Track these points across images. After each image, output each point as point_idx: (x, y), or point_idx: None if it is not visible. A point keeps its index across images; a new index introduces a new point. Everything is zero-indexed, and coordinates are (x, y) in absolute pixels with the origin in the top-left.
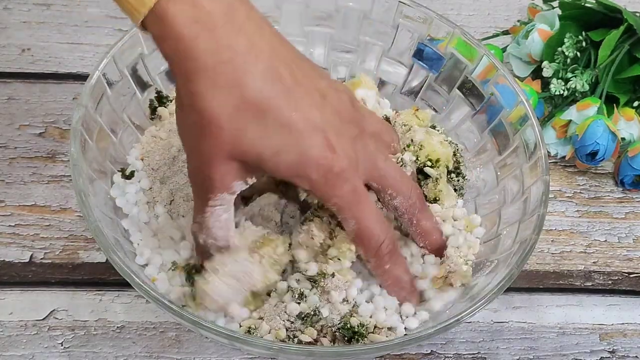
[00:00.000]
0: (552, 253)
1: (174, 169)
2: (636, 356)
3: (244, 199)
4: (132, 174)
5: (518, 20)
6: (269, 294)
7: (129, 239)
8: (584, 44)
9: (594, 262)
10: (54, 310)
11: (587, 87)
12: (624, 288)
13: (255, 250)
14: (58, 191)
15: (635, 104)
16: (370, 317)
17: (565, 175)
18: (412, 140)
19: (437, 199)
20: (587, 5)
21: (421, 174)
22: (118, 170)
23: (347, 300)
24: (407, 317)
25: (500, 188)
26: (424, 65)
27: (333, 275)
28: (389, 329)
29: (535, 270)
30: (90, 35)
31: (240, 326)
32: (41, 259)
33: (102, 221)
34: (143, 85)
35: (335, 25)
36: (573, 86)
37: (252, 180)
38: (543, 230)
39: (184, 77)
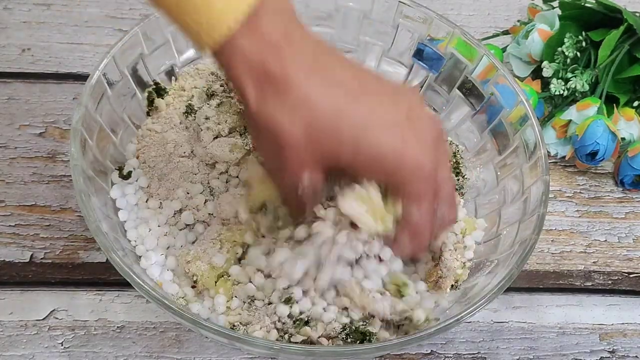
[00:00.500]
0: (552, 253)
1: (171, 166)
2: (636, 356)
3: None
4: (129, 174)
5: (518, 20)
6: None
7: (128, 239)
8: (584, 44)
9: (594, 262)
10: (54, 310)
11: (587, 87)
12: (624, 288)
13: None
14: (58, 191)
15: (635, 104)
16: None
17: (565, 175)
18: None
19: None
20: (587, 5)
21: None
22: (116, 169)
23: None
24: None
25: (500, 188)
26: (424, 65)
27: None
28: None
29: (535, 270)
30: (90, 35)
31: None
32: (41, 259)
33: (102, 221)
34: (143, 85)
35: (335, 25)
36: (573, 86)
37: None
38: (543, 230)
39: (260, 100)
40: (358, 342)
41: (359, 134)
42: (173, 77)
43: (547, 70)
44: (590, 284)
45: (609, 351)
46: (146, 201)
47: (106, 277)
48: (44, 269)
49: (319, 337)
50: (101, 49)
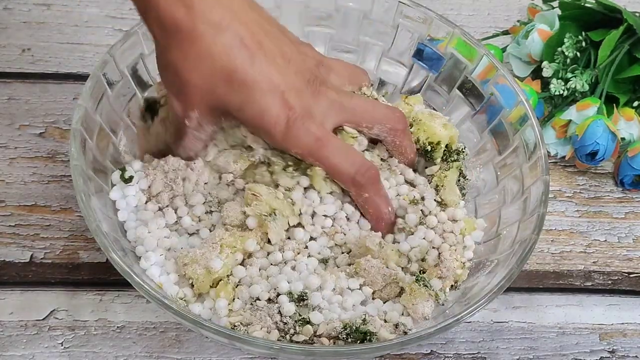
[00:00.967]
0: (552, 253)
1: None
2: (636, 356)
3: None
4: (130, 178)
5: (518, 20)
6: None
7: (128, 239)
8: (583, 44)
9: (593, 262)
10: (54, 310)
11: (587, 87)
12: (623, 288)
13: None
14: (58, 191)
15: (635, 104)
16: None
17: (565, 175)
18: (413, 121)
19: (442, 185)
20: (587, 5)
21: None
22: (119, 169)
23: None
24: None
25: (500, 188)
26: (424, 65)
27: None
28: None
29: (535, 270)
30: (90, 35)
31: (234, 326)
32: (41, 259)
33: (102, 221)
34: (143, 85)
35: (335, 25)
36: (573, 86)
37: (225, 123)
38: (543, 230)
39: (164, 47)
40: (358, 342)
41: (246, 94)
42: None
43: (547, 70)
44: (590, 284)
45: (608, 351)
46: (145, 203)
47: (106, 277)
48: (44, 269)
49: (320, 336)
50: (101, 49)
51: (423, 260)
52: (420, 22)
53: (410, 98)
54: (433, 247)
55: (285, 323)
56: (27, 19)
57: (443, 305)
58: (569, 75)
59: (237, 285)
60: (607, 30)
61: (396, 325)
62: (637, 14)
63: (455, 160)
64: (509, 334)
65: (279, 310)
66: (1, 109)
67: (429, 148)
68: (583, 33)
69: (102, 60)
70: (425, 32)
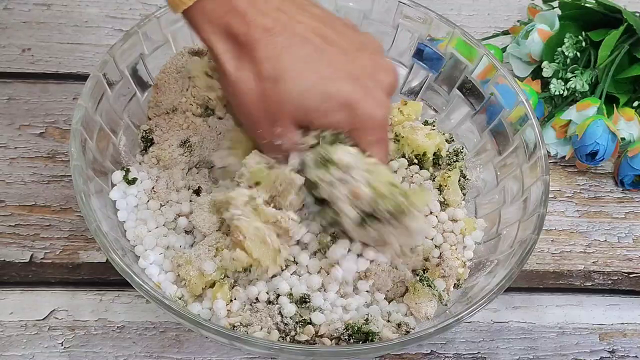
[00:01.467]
0: (552, 253)
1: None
2: (636, 356)
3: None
4: (134, 180)
5: (518, 21)
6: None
7: (128, 239)
8: (583, 44)
9: (593, 262)
10: (54, 310)
11: (587, 87)
12: (623, 288)
13: None
14: (58, 191)
15: (635, 104)
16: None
17: (565, 175)
18: (395, 135)
19: (446, 185)
20: (587, 5)
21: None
22: (121, 169)
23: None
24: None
25: (500, 188)
26: (424, 65)
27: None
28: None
29: (535, 270)
30: (90, 35)
31: (234, 327)
32: (41, 259)
33: (102, 221)
34: (143, 85)
35: None
36: (573, 86)
37: (311, 132)
38: (543, 230)
39: (226, 59)
40: (360, 342)
41: (321, 87)
42: None
43: (547, 70)
44: (590, 284)
45: (608, 351)
46: (147, 202)
47: (106, 277)
48: (44, 269)
49: (322, 337)
50: (101, 49)
51: (426, 259)
52: (420, 22)
53: (407, 106)
54: (435, 246)
55: (286, 324)
56: (27, 19)
57: (446, 305)
58: (569, 75)
59: (233, 286)
60: (607, 30)
61: (399, 325)
62: (637, 14)
63: (455, 162)
64: (509, 334)
65: (280, 311)
66: (1, 109)
67: (415, 161)
68: (583, 33)
69: (102, 60)
70: (425, 32)
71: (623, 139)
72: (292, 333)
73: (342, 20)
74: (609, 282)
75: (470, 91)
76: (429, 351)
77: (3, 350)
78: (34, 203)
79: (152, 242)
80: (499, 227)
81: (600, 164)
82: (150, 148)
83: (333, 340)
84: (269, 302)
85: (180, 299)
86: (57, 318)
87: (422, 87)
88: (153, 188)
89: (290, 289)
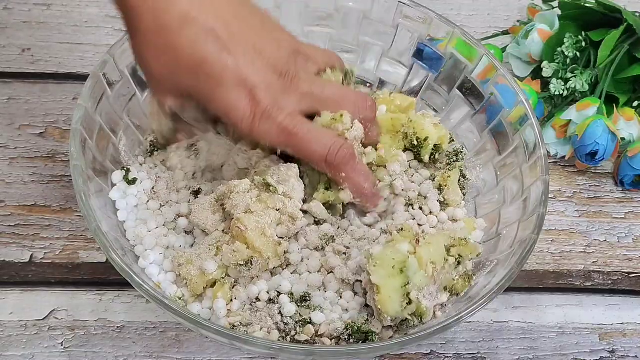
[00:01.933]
0: (552, 253)
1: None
2: (636, 356)
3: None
4: (134, 180)
5: (518, 21)
6: None
7: (127, 239)
8: (583, 44)
9: (593, 262)
10: (54, 310)
11: (587, 87)
12: (623, 288)
13: None
14: (58, 191)
15: (635, 104)
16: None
17: (565, 175)
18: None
19: (446, 185)
20: (587, 5)
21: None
22: (121, 169)
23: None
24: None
25: (500, 188)
26: (424, 65)
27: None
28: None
29: (535, 270)
30: (90, 35)
31: (234, 327)
32: (41, 259)
33: (102, 221)
34: (143, 85)
35: (335, 25)
36: (573, 86)
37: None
38: (543, 230)
39: (131, 35)
40: (360, 342)
41: (213, 88)
42: None
43: (547, 70)
44: (590, 284)
45: (608, 351)
46: (147, 202)
47: (106, 277)
48: (44, 269)
49: (322, 336)
50: (101, 49)
51: None
52: (420, 22)
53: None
54: None
55: (286, 324)
56: (27, 19)
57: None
58: (569, 75)
59: (234, 286)
60: (607, 30)
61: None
62: (637, 14)
63: (455, 162)
64: (509, 334)
65: (280, 311)
66: (1, 109)
67: (415, 142)
68: (583, 33)
69: (102, 60)
70: (425, 32)
71: (623, 139)
72: (292, 333)
73: (257, 13)
74: (609, 282)
75: (470, 91)
76: (428, 351)
77: (3, 350)
78: (34, 203)
79: (152, 242)
80: (498, 227)
81: (600, 164)
82: (156, 152)
83: (333, 340)
84: (270, 301)
85: (180, 299)
86: (57, 318)
87: (422, 87)
88: (153, 188)
89: (291, 287)
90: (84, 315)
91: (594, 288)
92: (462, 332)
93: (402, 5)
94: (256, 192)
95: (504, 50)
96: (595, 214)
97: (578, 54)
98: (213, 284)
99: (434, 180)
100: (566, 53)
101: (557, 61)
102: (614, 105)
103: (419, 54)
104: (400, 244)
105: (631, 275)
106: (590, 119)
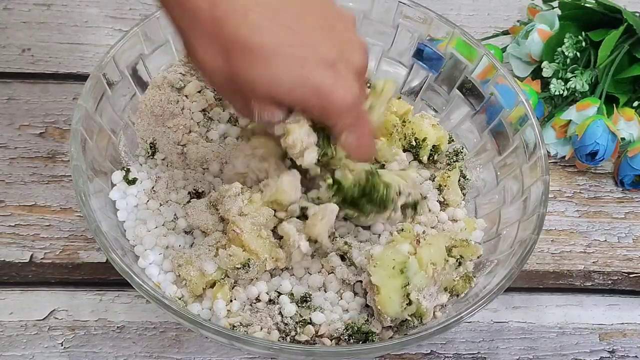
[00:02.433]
0: (552, 253)
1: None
2: (636, 356)
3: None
4: (134, 180)
5: (518, 21)
6: None
7: (127, 238)
8: (583, 44)
9: (593, 262)
10: (54, 310)
11: (587, 87)
12: (623, 288)
13: None
14: (58, 191)
15: (635, 104)
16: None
17: (565, 175)
18: (404, 123)
19: (446, 185)
20: (587, 5)
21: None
22: (121, 169)
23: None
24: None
25: (500, 188)
26: (424, 65)
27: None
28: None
29: (535, 270)
30: (90, 35)
31: (234, 327)
32: (41, 259)
33: (102, 221)
34: (143, 85)
35: None
36: (573, 86)
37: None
38: (543, 230)
39: (184, 32)
40: (360, 342)
41: (293, 73)
42: None
43: (547, 70)
44: (590, 284)
45: (608, 351)
46: (146, 202)
47: (106, 277)
48: (44, 269)
49: (322, 337)
50: (101, 49)
51: None
52: (420, 22)
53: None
54: None
55: (286, 324)
56: (27, 19)
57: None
58: (569, 75)
59: (234, 286)
60: (607, 30)
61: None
62: (637, 14)
63: (455, 162)
64: (509, 334)
65: (280, 311)
66: (1, 109)
67: (414, 143)
68: (583, 33)
69: (102, 60)
70: (425, 32)
71: (623, 139)
72: (292, 333)
73: None
74: (609, 282)
75: (470, 91)
76: (429, 351)
77: (3, 351)
78: (34, 203)
79: (151, 242)
80: (498, 227)
81: (600, 164)
82: (157, 154)
83: (333, 340)
84: (270, 301)
85: (180, 299)
86: (57, 318)
87: (422, 87)
88: (153, 188)
89: (292, 288)
90: (84, 316)
91: (594, 288)
92: (462, 332)
93: (402, 5)
94: (248, 195)
95: (504, 50)
96: (595, 214)
97: (578, 54)
98: (213, 285)
99: (433, 181)
100: (566, 53)
101: (557, 61)
102: (614, 105)
103: (419, 54)
104: (400, 245)
105: (631, 275)
106: (590, 119)
